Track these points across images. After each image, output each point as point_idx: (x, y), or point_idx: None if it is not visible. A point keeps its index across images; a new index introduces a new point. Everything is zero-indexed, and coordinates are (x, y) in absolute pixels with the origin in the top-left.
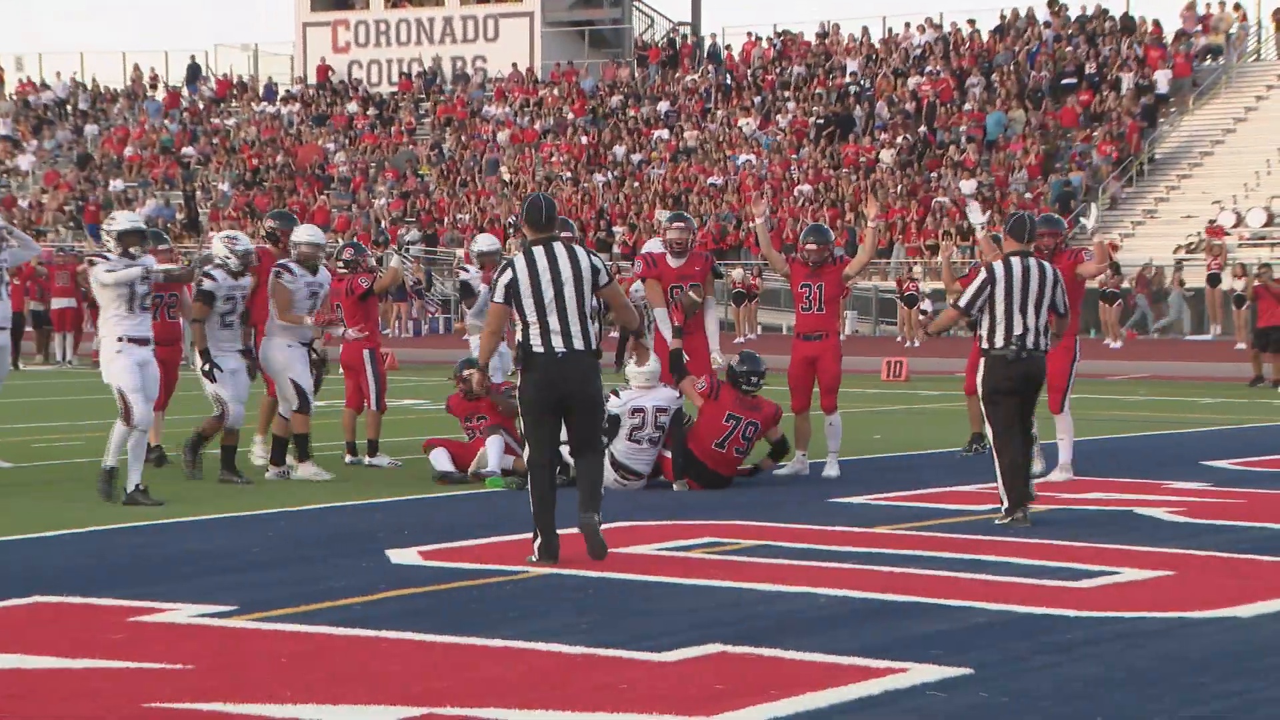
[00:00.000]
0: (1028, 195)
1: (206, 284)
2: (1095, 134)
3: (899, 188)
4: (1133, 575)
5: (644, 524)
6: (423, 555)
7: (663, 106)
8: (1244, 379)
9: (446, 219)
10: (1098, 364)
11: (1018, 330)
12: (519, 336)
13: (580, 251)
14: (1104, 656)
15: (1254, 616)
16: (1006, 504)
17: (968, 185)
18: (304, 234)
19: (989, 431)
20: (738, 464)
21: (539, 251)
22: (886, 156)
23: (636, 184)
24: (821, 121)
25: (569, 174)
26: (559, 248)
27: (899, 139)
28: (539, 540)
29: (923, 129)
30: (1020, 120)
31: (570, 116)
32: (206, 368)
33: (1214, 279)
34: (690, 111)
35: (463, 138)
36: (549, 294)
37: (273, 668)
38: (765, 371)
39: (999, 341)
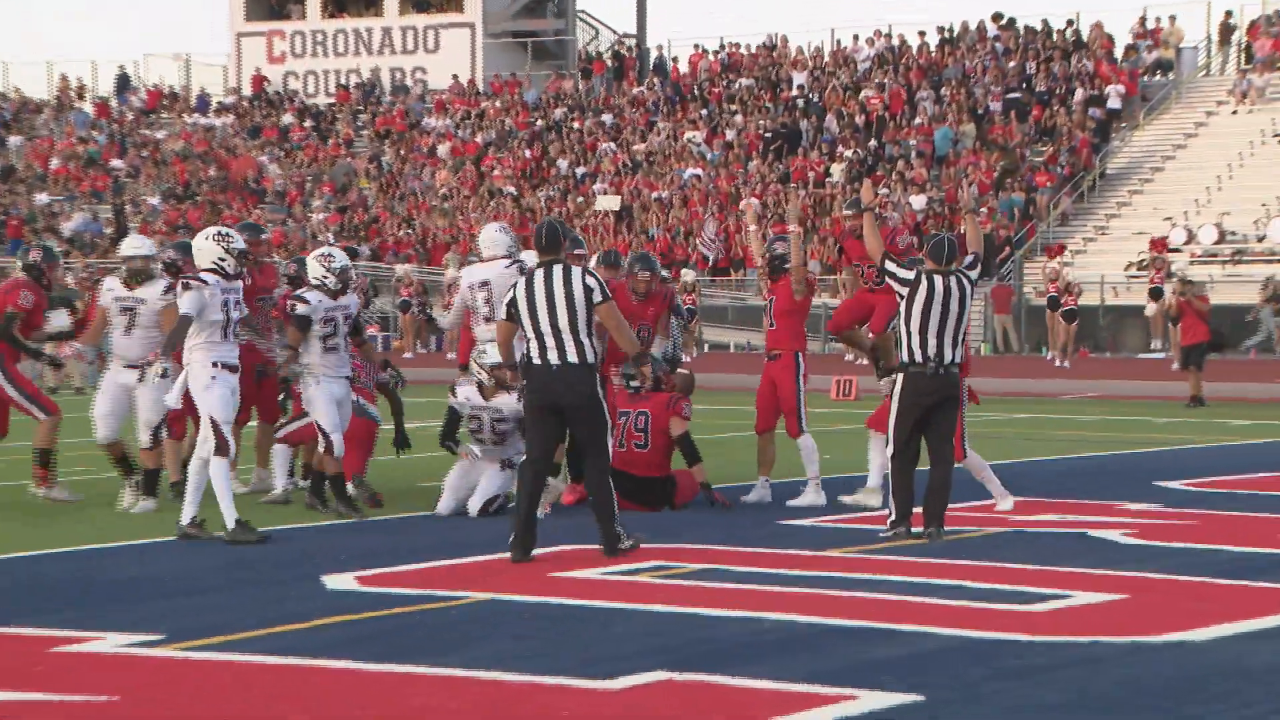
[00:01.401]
0: (981, 211)
1: (300, 308)
2: (1044, 149)
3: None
4: (1087, 598)
5: (588, 547)
6: (360, 581)
7: (608, 119)
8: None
9: (387, 234)
10: (1046, 383)
11: (933, 347)
12: (521, 350)
13: (576, 274)
14: (1059, 682)
15: (1210, 640)
16: (894, 516)
17: (918, 200)
18: (131, 246)
19: (889, 448)
20: (646, 461)
21: (539, 274)
22: (836, 171)
23: (581, 198)
24: (769, 135)
25: (511, 188)
26: (557, 270)
27: (848, 153)
28: (513, 534)
29: (872, 142)
30: (970, 135)
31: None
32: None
33: (1156, 293)
34: (636, 124)
35: (402, 151)
36: (543, 312)
37: (202, 700)
38: (657, 376)
39: (918, 357)
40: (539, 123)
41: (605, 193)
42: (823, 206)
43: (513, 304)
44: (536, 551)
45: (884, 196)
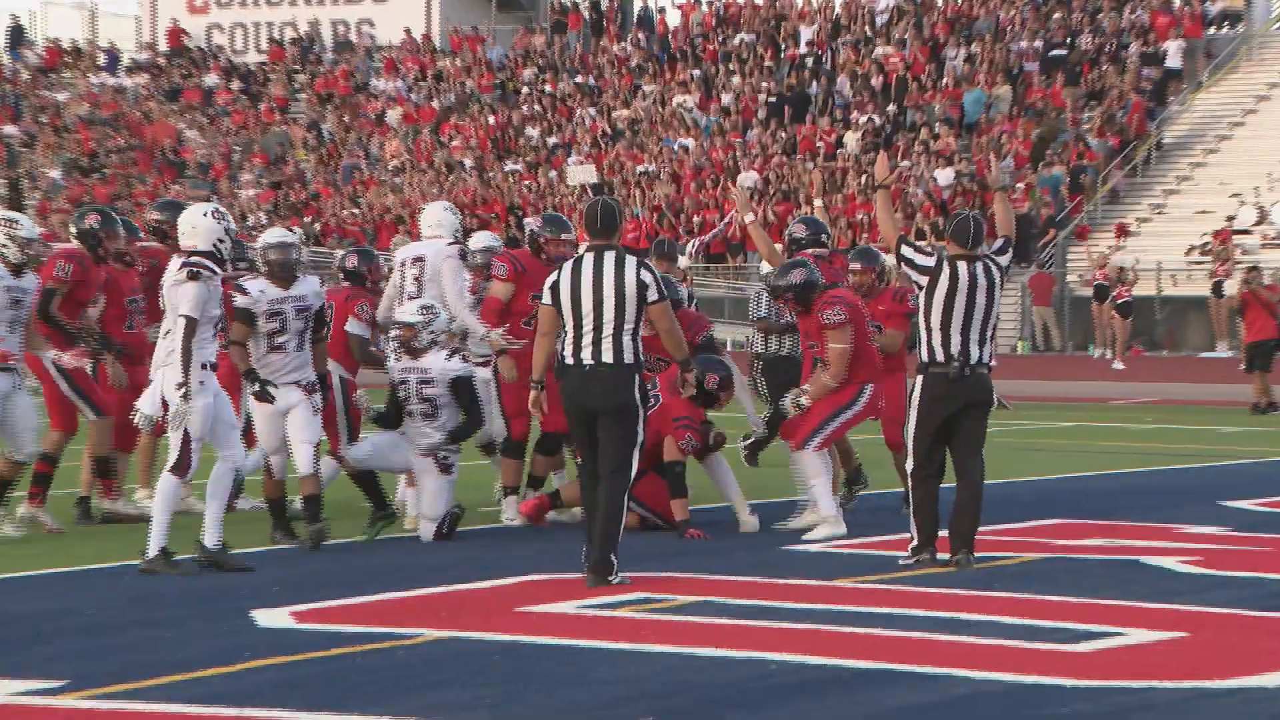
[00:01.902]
0: (1017, 188)
1: (240, 299)
2: (1093, 115)
3: (864, 177)
4: (1140, 636)
5: (561, 576)
6: (296, 616)
7: (584, 81)
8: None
9: (329, 214)
10: (1094, 386)
11: (958, 345)
12: (558, 346)
13: (630, 265)
14: None
15: None
16: (916, 540)
17: (944, 174)
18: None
19: (908, 461)
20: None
21: (589, 259)
22: (850, 141)
23: (554, 172)
24: (773, 100)
25: (471, 161)
26: (609, 258)
27: (863, 119)
28: (588, 554)
29: (891, 107)
30: (1005, 99)
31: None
32: (257, 388)
33: (1219, 288)
34: (617, 88)
35: (346, 117)
36: (587, 303)
37: None
38: (706, 387)
39: (940, 356)
40: (505, 85)
41: (581, 164)
42: (834, 182)
43: (555, 287)
44: (501, 581)
45: (904, 169)
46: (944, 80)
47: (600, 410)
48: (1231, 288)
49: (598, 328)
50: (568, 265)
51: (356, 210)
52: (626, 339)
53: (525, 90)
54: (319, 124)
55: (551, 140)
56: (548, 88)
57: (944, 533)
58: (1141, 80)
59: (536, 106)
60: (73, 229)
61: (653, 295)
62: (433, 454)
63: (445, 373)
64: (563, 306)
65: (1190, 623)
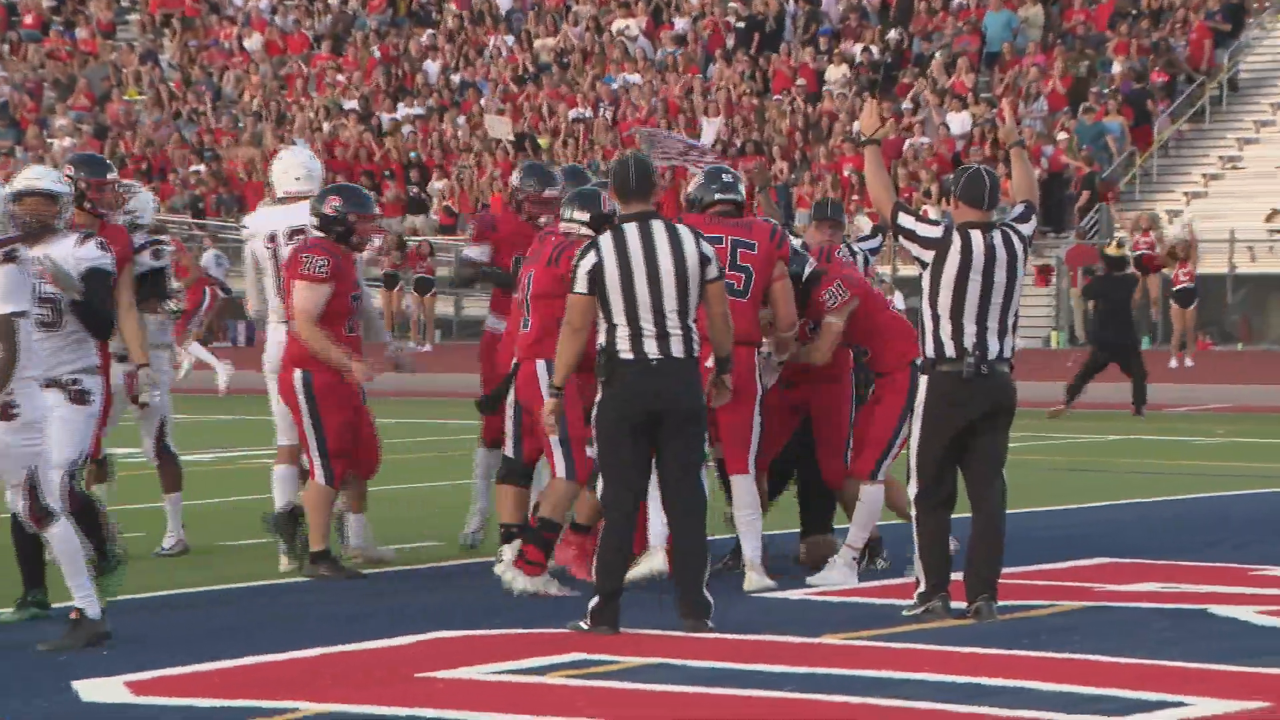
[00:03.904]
0: (1061, 137)
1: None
2: (1145, 44)
3: (854, 124)
4: (1209, 707)
5: (476, 633)
6: (132, 688)
7: (502, 3)
8: None
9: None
10: (1155, 389)
11: (972, 336)
12: (601, 340)
13: (686, 236)
14: None
15: None
16: (923, 585)
17: (957, 121)
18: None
19: (911, 485)
20: None
21: (633, 232)
22: (836, 75)
23: (461, 118)
24: (741, 25)
25: (355, 105)
26: (658, 227)
27: (856, 50)
28: (595, 601)
29: (892, 35)
30: (1035, 23)
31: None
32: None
33: None
34: (542, 9)
35: (191, 45)
36: (642, 286)
37: None
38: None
39: (950, 351)
40: (397, 6)
41: (499, 111)
42: (817, 131)
43: (596, 271)
44: (398, 640)
45: (897, 114)
46: (958, 0)
47: (672, 414)
48: None
49: (659, 314)
50: (607, 242)
51: (203, 165)
52: (692, 325)
53: (423, 13)
54: (156, 54)
55: (458, 78)
56: (452, 8)
57: (959, 575)
58: (1208, 1)
59: (438, 34)
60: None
61: (713, 273)
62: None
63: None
64: (611, 293)
65: (1271, 690)
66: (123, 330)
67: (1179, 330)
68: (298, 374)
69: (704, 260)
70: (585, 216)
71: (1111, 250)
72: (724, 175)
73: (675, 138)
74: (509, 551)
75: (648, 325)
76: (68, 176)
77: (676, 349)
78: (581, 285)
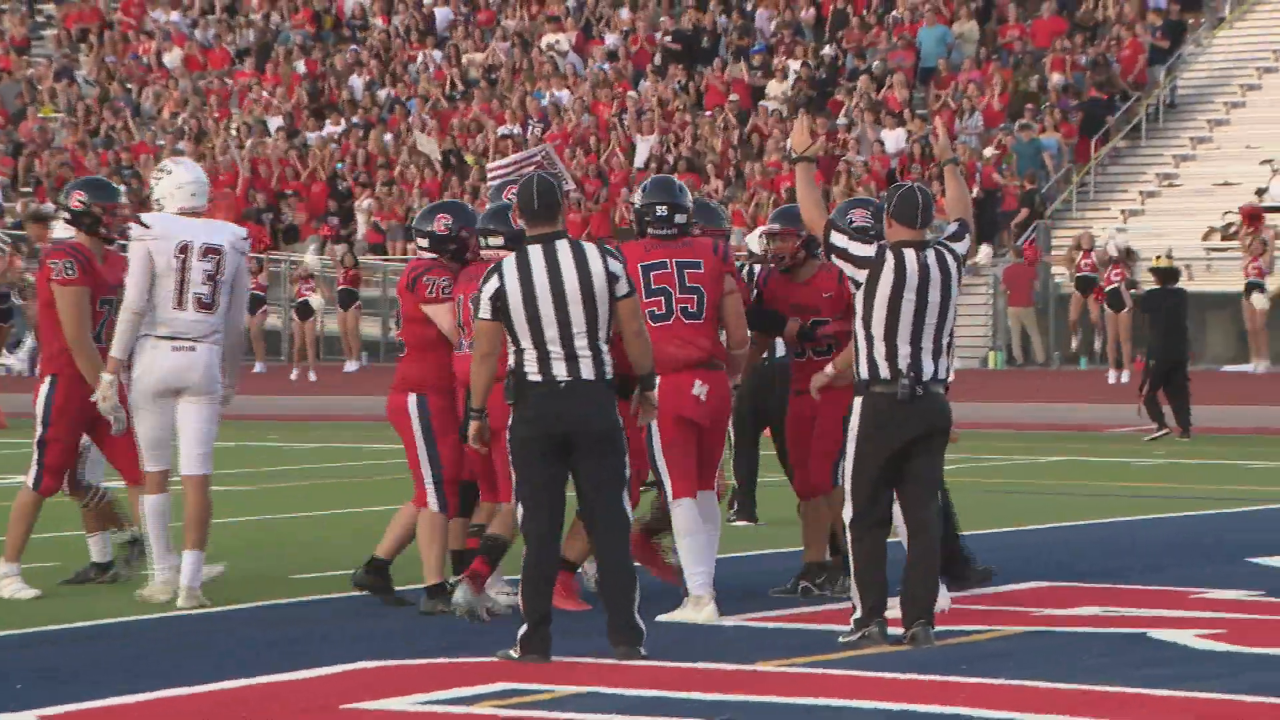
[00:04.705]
0: (988, 153)
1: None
2: (1082, 59)
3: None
4: None
5: (402, 662)
6: None
7: (443, 14)
8: None
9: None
10: (1093, 409)
11: (906, 357)
12: (511, 363)
13: (592, 254)
14: None
15: None
16: (859, 610)
17: (892, 138)
18: None
19: (846, 508)
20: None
21: (537, 254)
22: (773, 92)
23: (389, 135)
24: (669, 39)
25: (279, 121)
26: (564, 248)
27: (790, 66)
28: (526, 629)
29: (826, 50)
30: (971, 38)
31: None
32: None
33: (1254, 288)
34: (470, 24)
35: (109, 60)
36: (548, 308)
37: None
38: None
39: (884, 372)
40: (321, 19)
41: (425, 129)
42: (749, 148)
43: (499, 297)
44: (322, 670)
45: (831, 130)
46: (894, 12)
47: (584, 435)
48: (1276, 283)
49: (567, 338)
50: (509, 265)
51: (120, 186)
52: (602, 347)
53: (349, 28)
54: (71, 70)
55: (385, 93)
56: (379, 24)
57: (895, 600)
58: (1146, 14)
59: (365, 49)
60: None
61: (622, 289)
62: None
63: None
64: (516, 317)
65: (1212, 713)
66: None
67: (1113, 338)
68: (412, 398)
69: (612, 278)
70: (499, 241)
71: (1160, 263)
72: (660, 208)
73: (517, 161)
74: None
75: (555, 348)
76: (79, 202)
77: (586, 371)
78: (485, 311)
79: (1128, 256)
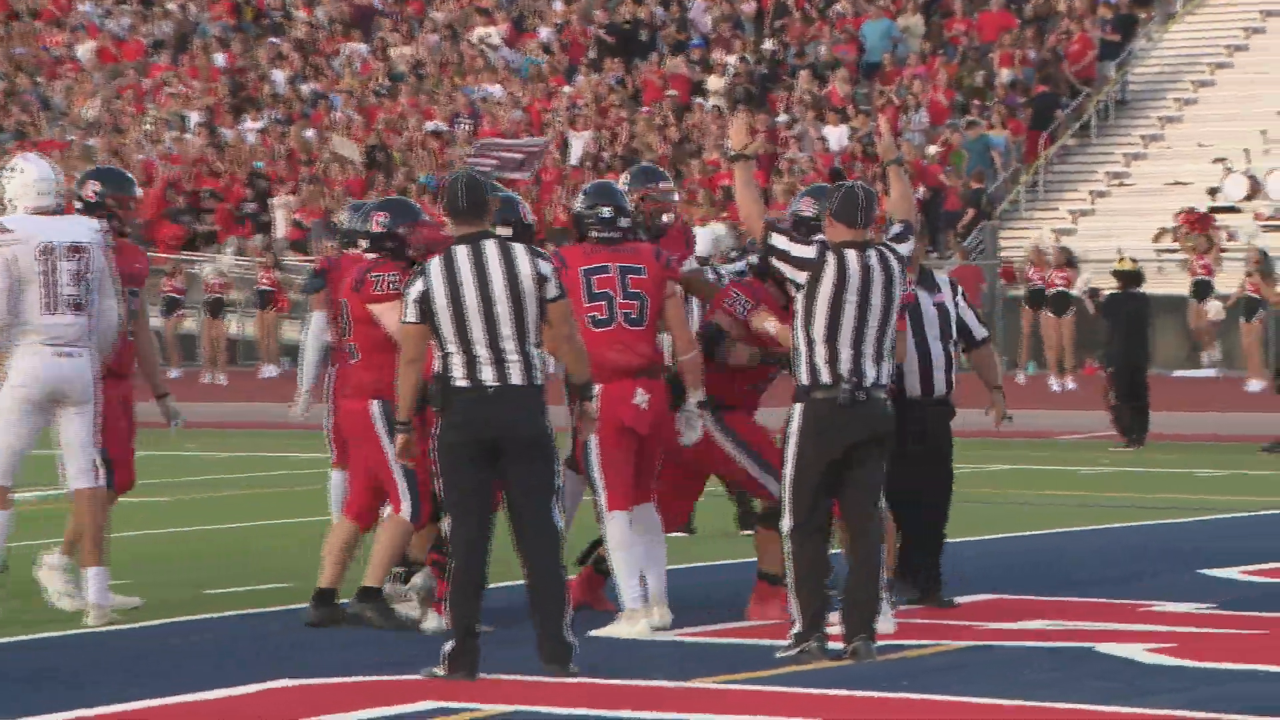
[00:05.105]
0: (931, 151)
1: None
2: (1031, 54)
3: (724, 139)
4: None
5: (321, 681)
6: None
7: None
8: (1263, 437)
9: None
10: (1039, 415)
11: (847, 361)
12: (437, 368)
13: (520, 254)
14: None
15: None
16: (798, 624)
17: (834, 134)
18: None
19: (785, 518)
20: None
21: (463, 254)
22: (713, 87)
23: (310, 132)
24: (605, 32)
25: (198, 116)
26: (491, 249)
27: (728, 60)
28: (451, 645)
29: (767, 45)
30: (917, 31)
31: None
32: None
33: (1203, 288)
34: (397, 16)
35: (16, 53)
36: (474, 311)
37: None
38: None
39: (825, 376)
40: (242, 10)
41: (348, 128)
42: (685, 147)
43: (424, 299)
44: (239, 690)
45: (771, 127)
46: (836, 5)
47: (513, 441)
48: (1230, 284)
49: (495, 340)
50: (435, 266)
51: None
52: (532, 350)
53: (270, 19)
54: None
55: (308, 88)
56: (300, 14)
57: (836, 614)
58: (1096, 8)
59: (286, 42)
60: None
61: (552, 292)
62: None
63: None
64: (443, 319)
65: None
66: (144, 355)
67: (1056, 344)
68: (375, 404)
69: (541, 279)
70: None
71: (1123, 265)
72: (604, 209)
73: (511, 145)
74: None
75: (483, 351)
76: (93, 193)
77: (515, 376)
78: (411, 314)
79: (1068, 264)
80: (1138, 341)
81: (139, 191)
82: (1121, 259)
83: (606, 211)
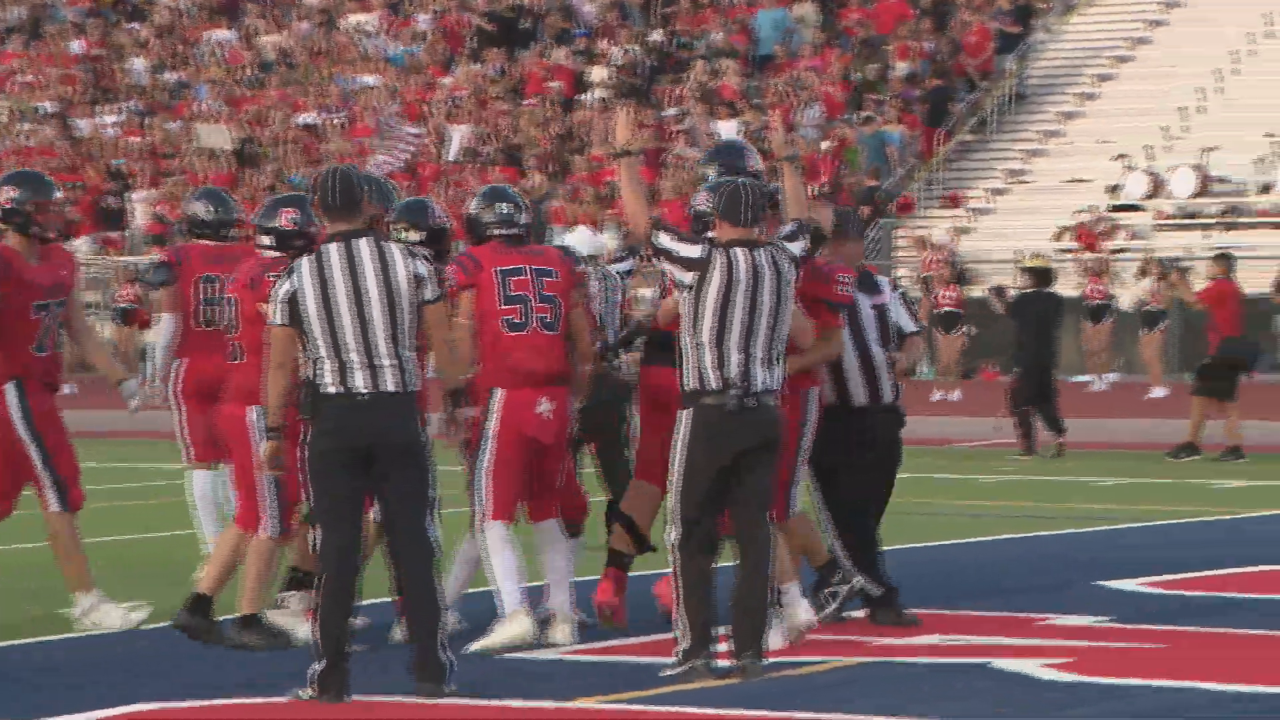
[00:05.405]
0: (824, 146)
1: None
2: (928, 46)
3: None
4: None
5: (191, 704)
6: None
7: None
8: (1164, 444)
9: None
10: (935, 422)
11: (736, 365)
12: (305, 373)
13: (396, 255)
14: None
15: None
16: (685, 641)
17: (727, 128)
18: None
19: (670, 530)
20: None
21: (334, 253)
22: (597, 80)
23: (175, 123)
24: (485, 20)
25: (51, 106)
26: (364, 247)
27: (615, 52)
28: (320, 665)
29: (655, 35)
30: (811, 21)
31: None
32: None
33: (1099, 311)
34: (268, 3)
35: None
36: (346, 314)
37: None
38: None
39: (713, 381)
40: None
41: (215, 119)
42: (569, 140)
43: (292, 300)
44: (89, 715)
45: (658, 120)
46: None
47: (386, 449)
48: (1127, 297)
49: (367, 345)
50: (304, 265)
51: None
52: (406, 356)
53: (130, 4)
54: None
55: (171, 77)
56: (164, 0)
57: (724, 630)
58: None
59: (148, 28)
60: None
61: (429, 294)
62: None
63: None
64: (312, 322)
65: None
66: (90, 354)
67: (946, 359)
68: (253, 410)
69: (418, 281)
70: (416, 236)
71: (1034, 262)
72: (502, 205)
73: (404, 131)
74: (296, 600)
75: (355, 357)
76: (9, 199)
77: (389, 382)
78: (278, 315)
79: (960, 280)
80: (1046, 342)
81: (59, 194)
82: (1034, 256)
83: (505, 208)
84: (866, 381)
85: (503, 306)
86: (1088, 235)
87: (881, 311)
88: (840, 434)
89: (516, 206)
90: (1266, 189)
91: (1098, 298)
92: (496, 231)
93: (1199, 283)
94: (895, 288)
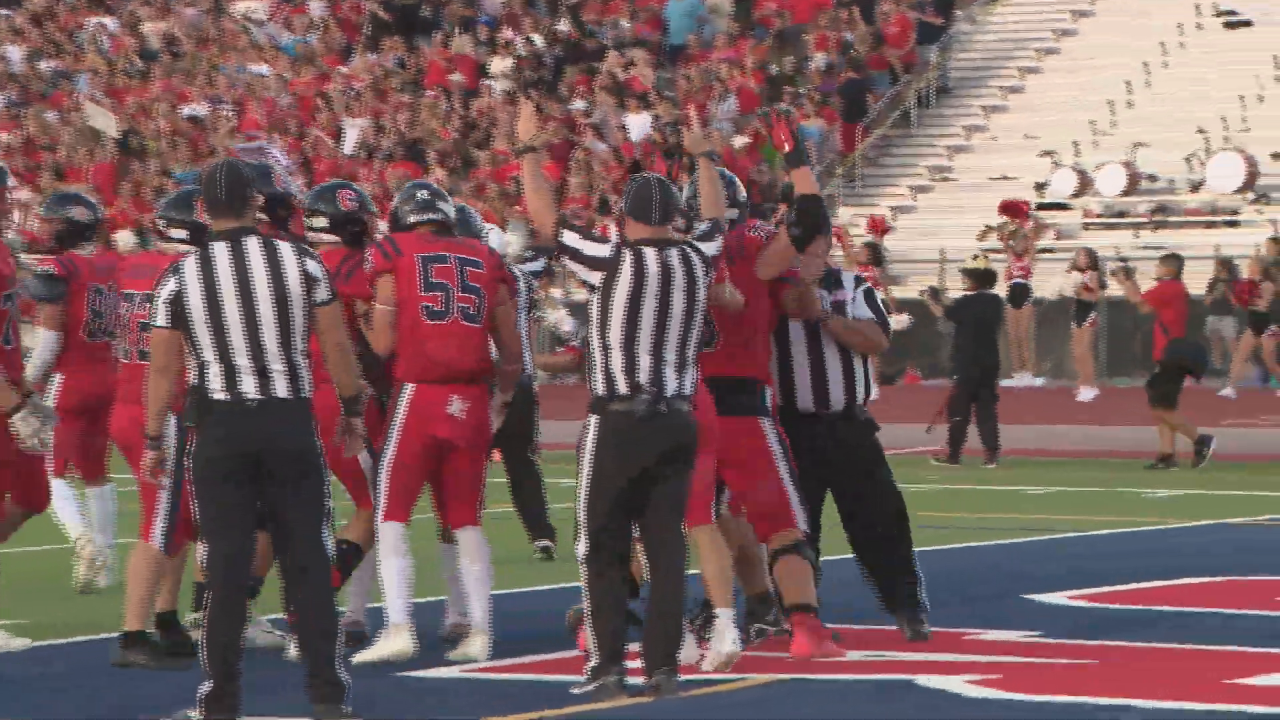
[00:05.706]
0: (735, 141)
1: None
2: (849, 36)
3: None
4: None
5: None
6: None
7: None
8: (1083, 453)
9: None
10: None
11: (647, 369)
12: (192, 379)
13: (288, 253)
14: None
15: None
16: (595, 658)
17: (636, 122)
18: None
19: (579, 542)
20: None
21: (221, 252)
22: (498, 73)
23: (55, 113)
24: (381, 8)
25: None
26: (253, 246)
27: (518, 40)
28: (209, 686)
29: (561, 25)
30: (724, 10)
31: None
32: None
33: (1019, 294)
34: None
35: None
36: (234, 316)
37: None
38: None
39: (622, 386)
40: None
41: (98, 103)
42: (473, 136)
43: (176, 301)
44: None
45: (564, 113)
46: None
47: (278, 457)
48: (1052, 286)
49: (256, 349)
50: (189, 266)
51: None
52: (299, 360)
53: None
54: None
55: (52, 66)
56: None
57: (636, 646)
58: None
59: (23, 14)
60: None
61: (322, 295)
62: None
63: None
64: (197, 325)
65: None
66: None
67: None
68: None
69: (310, 281)
70: (323, 222)
71: (976, 264)
72: (420, 192)
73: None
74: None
75: (243, 361)
76: None
77: (280, 388)
78: (161, 318)
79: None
80: (987, 346)
81: (11, 181)
82: (976, 256)
83: (422, 195)
84: (814, 387)
85: (423, 293)
86: (1008, 204)
87: (840, 308)
88: (791, 440)
89: (435, 194)
90: (1196, 187)
91: (1020, 275)
92: (416, 218)
93: (1144, 283)
94: (859, 284)
